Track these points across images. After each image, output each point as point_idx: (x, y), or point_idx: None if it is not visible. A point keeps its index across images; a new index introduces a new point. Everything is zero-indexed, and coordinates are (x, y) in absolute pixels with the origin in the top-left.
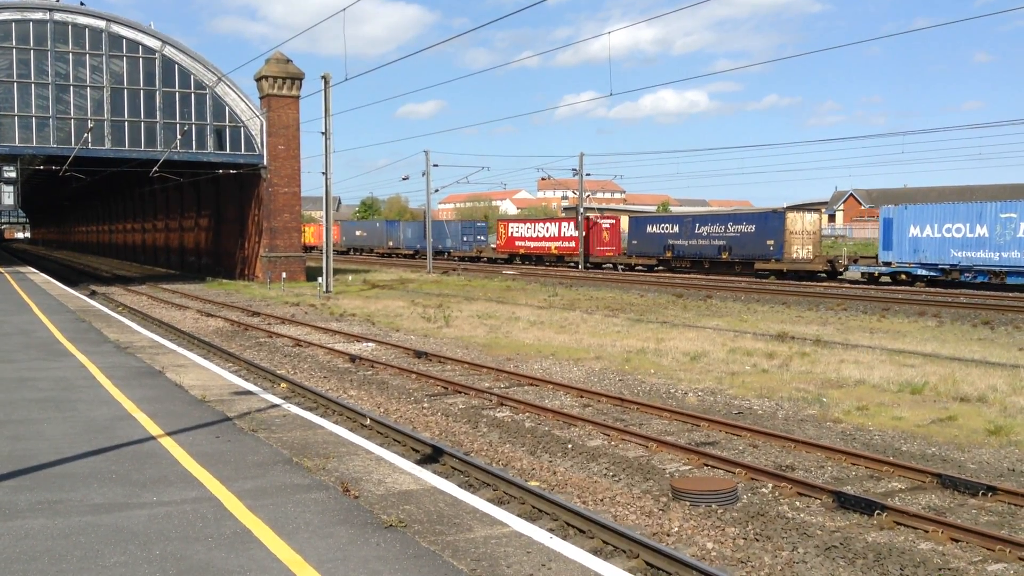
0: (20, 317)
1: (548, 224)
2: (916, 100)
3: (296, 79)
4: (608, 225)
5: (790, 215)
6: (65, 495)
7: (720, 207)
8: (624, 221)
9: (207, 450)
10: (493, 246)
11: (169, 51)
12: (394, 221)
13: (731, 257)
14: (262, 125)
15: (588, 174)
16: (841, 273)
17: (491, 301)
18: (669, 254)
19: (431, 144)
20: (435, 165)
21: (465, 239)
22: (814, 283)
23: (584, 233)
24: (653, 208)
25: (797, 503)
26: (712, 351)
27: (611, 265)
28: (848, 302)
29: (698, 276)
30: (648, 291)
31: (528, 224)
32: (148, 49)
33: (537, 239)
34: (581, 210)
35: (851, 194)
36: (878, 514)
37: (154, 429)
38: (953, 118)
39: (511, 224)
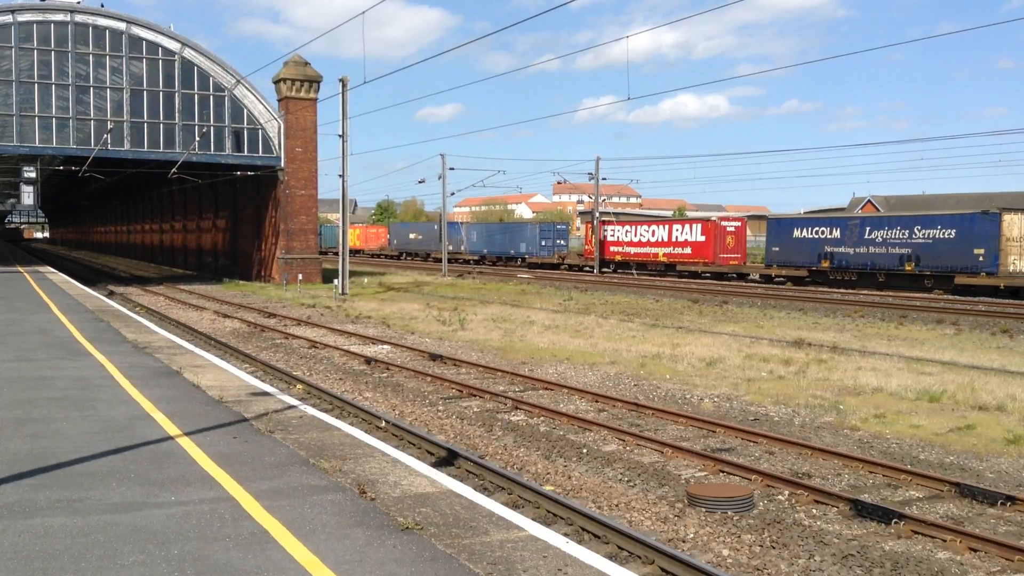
0: (39, 316)
1: (656, 227)
2: (939, 106)
3: (314, 82)
4: (733, 228)
5: (1007, 217)
6: (84, 494)
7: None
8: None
9: (224, 450)
10: (579, 252)
11: (188, 53)
12: (455, 223)
13: (919, 269)
14: (280, 127)
15: (604, 178)
16: None
17: (506, 304)
18: (826, 264)
19: (448, 147)
20: (451, 168)
21: (544, 244)
22: (838, 290)
23: (705, 238)
24: (669, 213)
25: (814, 511)
26: (728, 357)
27: (735, 276)
28: (866, 309)
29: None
30: (663, 296)
31: (627, 227)
32: (168, 51)
33: (639, 244)
34: (597, 214)
35: (869, 200)
36: (895, 523)
37: (172, 429)
38: (976, 124)
39: (603, 227)
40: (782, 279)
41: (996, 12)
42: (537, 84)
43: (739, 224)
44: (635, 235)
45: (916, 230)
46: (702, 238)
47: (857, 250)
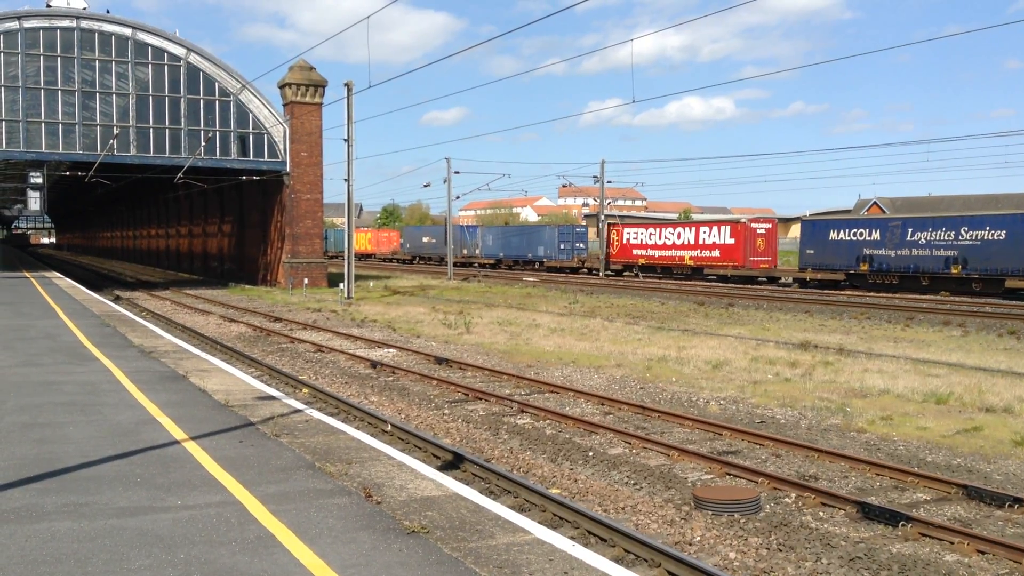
0: (46, 321)
1: (682, 229)
2: (945, 107)
3: (319, 86)
4: (763, 231)
5: None
6: (91, 498)
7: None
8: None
9: (231, 454)
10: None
11: (194, 58)
12: (471, 227)
13: (966, 272)
14: (285, 132)
15: (609, 181)
16: None
17: (511, 308)
18: (865, 267)
19: (454, 151)
20: (457, 172)
21: (562, 247)
22: (838, 291)
23: (734, 240)
24: (674, 215)
25: (821, 513)
26: (734, 359)
27: (765, 279)
28: (872, 311)
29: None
30: (669, 299)
31: (651, 229)
32: (173, 56)
33: (664, 247)
34: (602, 217)
35: (875, 202)
36: (903, 525)
37: (178, 433)
38: (982, 125)
39: (626, 229)
40: (817, 283)
41: (1003, 13)
42: (542, 87)
43: (770, 226)
44: (659, 237)
45: (963, 231)
46: (731, 240)
47: (899, 252)
